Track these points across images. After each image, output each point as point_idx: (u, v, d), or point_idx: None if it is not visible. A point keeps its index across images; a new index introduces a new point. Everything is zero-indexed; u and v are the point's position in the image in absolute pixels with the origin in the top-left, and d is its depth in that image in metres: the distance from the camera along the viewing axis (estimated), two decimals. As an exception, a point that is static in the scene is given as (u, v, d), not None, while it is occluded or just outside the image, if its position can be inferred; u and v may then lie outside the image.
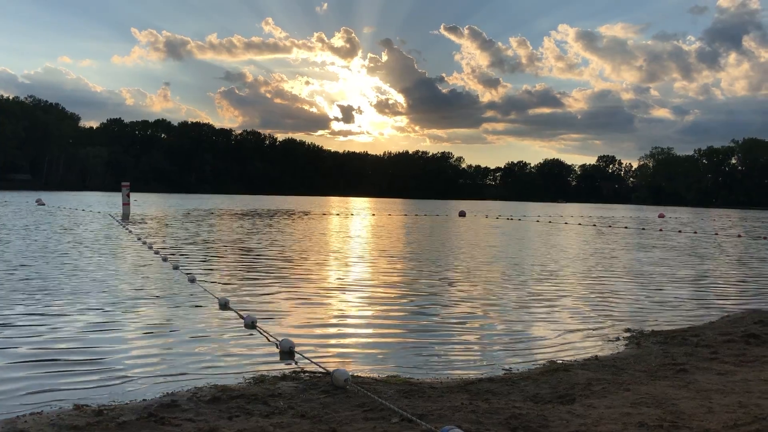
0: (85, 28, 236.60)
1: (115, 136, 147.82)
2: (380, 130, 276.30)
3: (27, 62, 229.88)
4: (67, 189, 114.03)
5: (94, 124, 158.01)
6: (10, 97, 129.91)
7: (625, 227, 30.77)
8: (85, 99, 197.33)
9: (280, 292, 8.58)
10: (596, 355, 5.51)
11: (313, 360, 5.01)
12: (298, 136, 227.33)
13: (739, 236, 25.51)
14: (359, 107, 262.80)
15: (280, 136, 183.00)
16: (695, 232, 27.44)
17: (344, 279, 10.12)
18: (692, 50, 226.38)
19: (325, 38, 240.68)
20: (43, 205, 38.32)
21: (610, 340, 6.21)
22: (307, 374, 4.68)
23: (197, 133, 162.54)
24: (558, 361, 5.28)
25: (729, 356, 5.41)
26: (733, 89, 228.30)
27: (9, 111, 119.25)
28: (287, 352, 5.28)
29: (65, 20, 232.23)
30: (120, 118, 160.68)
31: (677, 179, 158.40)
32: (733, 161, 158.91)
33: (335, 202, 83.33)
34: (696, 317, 7.61)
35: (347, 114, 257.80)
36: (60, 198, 57.49)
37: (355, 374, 4.67)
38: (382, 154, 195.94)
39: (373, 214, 40.00)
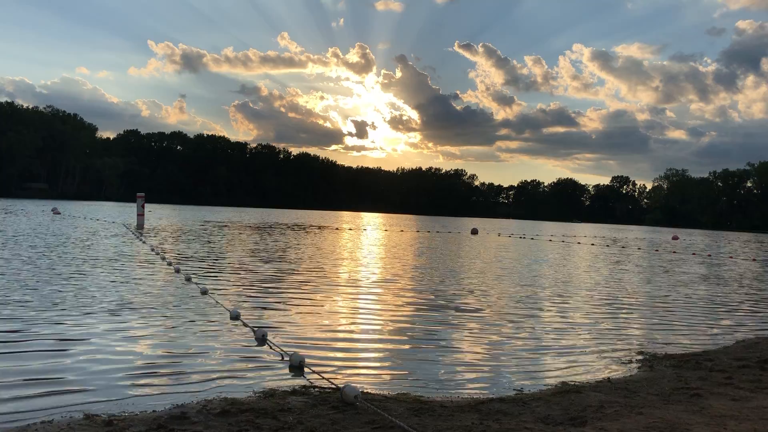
0: (102, 39, 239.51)
1: (131, 148, 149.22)
2: (393, 146, 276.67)
3: (45, 72, 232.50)
4: (83, 199, 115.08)
5: (110, 135, 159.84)
6: (29, 107, 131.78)
7: (639, 248, 30.56)
8: (101, 110, 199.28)
9: (292, 305, 8.59)
10: (609, 378, 5.46)
11: (323, 375, 5.00)
12: (312, 150, 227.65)
13: (754, 260, 25.24)
14: (373, 123, 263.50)
15: (294, 151, 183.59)
16: (709, 255, 27.20)
17: (355, 295, 10.10)
18: (709, 72, 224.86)
19: (340, 54, 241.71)
20: (59, 214, 38.67)
21: (622, 363, 6.15)
22: (316, 389, 4.67)
23: (212, 145, 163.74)
24: (570, 383, 5.23)
25: (744, 382, 5.33)
26: (750, 112, 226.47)
27: (27, 120, 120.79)
28: (297, 367, 5.27)
29: (83, 32, 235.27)
30: (137, 130, 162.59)
31: (691, 201, 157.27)
32: (749, 184, 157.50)
33: (348, 217, 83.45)
34: (710, 341, 7.53)
35: (361, 129, 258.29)
36: (76, 207, 58.01)
37: (365, 391, 4.65)
38: (395, 170, 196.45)
39: (386, 230, 40.00)
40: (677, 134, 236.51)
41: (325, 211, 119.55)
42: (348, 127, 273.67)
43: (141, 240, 19.58)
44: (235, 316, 7.28)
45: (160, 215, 46.65)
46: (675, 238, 51.67)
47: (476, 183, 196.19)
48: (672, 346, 7.11)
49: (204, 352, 5.75)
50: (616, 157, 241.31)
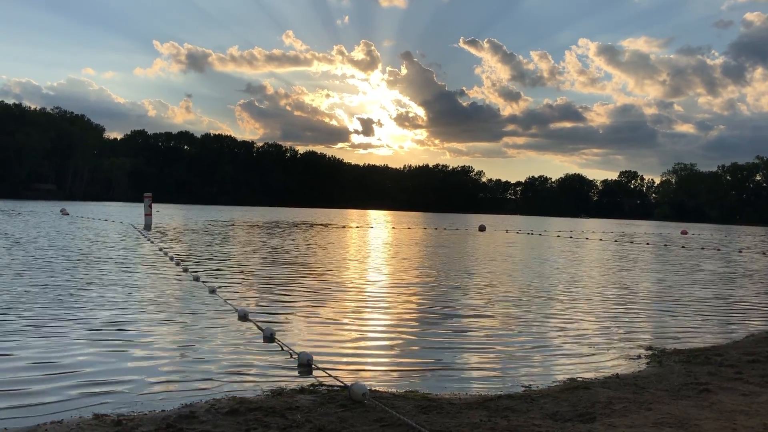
0: (107, 40, 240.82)
1: (138, 148, 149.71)
2: (400, 144, 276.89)
3: (51, 74, 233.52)
4: (91, 199, 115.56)
5: (118, 135, 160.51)
6: (37, 108, 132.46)
7: (647, 244, 30.44)
8: (107, 110, 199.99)
9: (300, 304, 8.60)
10: (617, 373, 5.44)
11: (331, 373, 5.00)
12: (318, 148, 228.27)
13: (764, 254, 25.10)
14: (379, 120, 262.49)
15: (301, 149, 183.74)
16: (718, 250, 27.07)
17: (363, 293, 10.11)
18: (717, 64, 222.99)
19: (345, 51, 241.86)
20: (68, 215, 38.86)
21: (631, 358, 6.13)
22: (324, 388, 4.67)
23: (219, 145, 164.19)
24: (578, 379, 5.22)
25: (754, 377, 5.30)
26: (759, 104, 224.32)
27: (35, 122, 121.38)
28: (305, 365, 5.28)
29: (88, 33, 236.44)
30: (144, 130, 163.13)
31: (700, 196, 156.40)
32: (758, 178, 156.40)
33: (355, 214, 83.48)
34: (719, 336, 7.49)
35: (367, 127, 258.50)
36: (84, 208, 58.28)
37: (373, 388, 4.66)
38: (401, 167, 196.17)
39: (393, 228, 40.00)
40: (685, 128, 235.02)
41: (332, 209, 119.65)
42: (354, 124, 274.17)
43: (148, 240, 19.65)
44: (242, 315, 7.30)
45: (168, 215, 46.80)
46: (684, 232, 51.44)
47: (483, 179, 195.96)
48: (681, 341, 7.07)
49: (212, 352, 5.77)
50: (624, 152, 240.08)
